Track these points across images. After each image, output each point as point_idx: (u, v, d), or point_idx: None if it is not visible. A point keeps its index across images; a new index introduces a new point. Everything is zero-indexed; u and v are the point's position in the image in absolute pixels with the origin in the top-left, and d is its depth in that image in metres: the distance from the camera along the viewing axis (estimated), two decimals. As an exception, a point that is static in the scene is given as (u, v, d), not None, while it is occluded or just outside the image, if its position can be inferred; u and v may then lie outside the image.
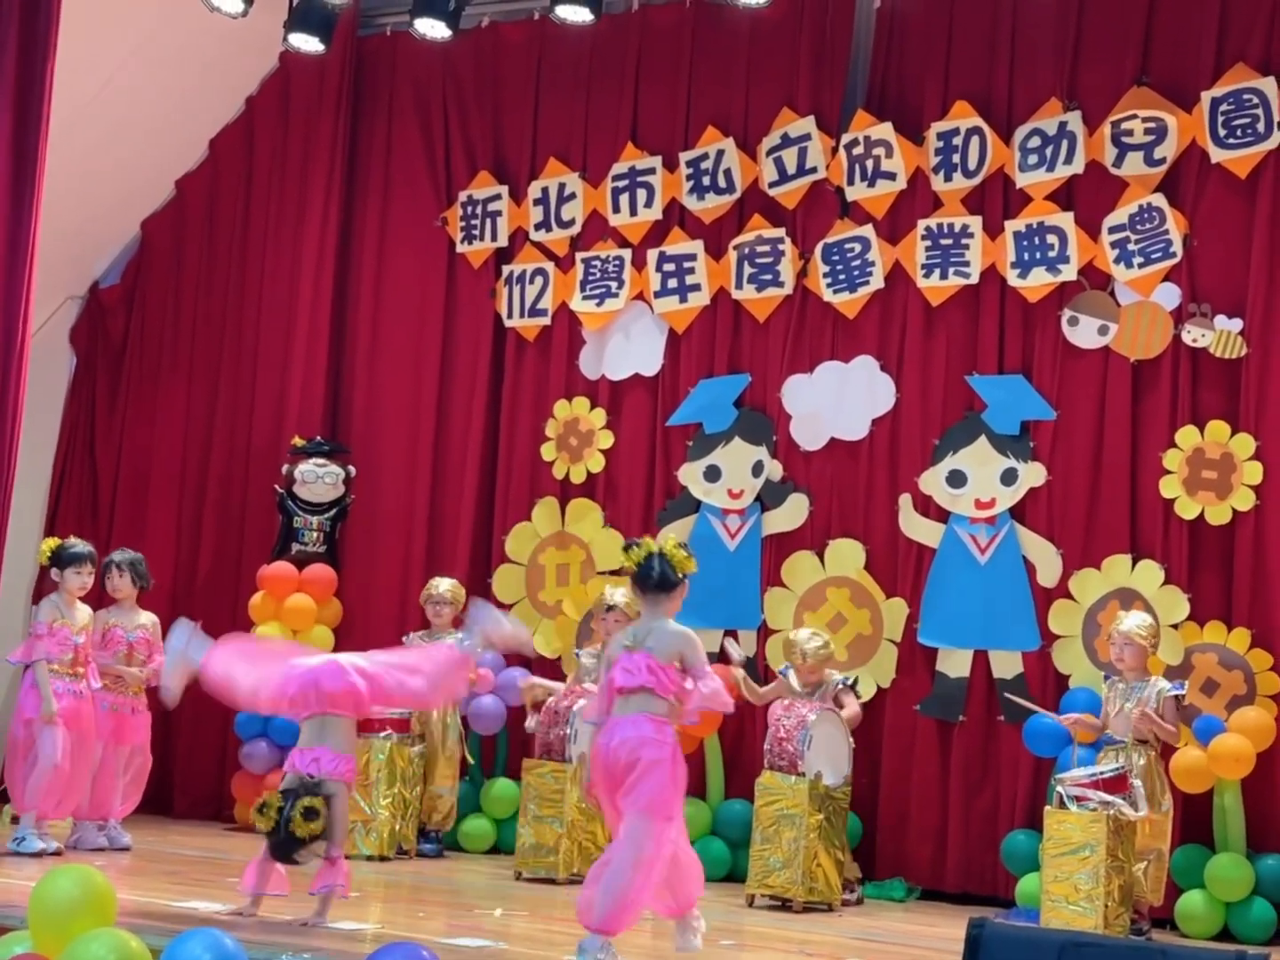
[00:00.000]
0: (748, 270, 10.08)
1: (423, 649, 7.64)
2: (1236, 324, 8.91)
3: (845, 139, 9.85)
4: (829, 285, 9.85)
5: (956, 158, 9.59)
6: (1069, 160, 9.32)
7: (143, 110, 10.78)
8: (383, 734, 9.47)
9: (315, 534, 10.73)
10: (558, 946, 6.75)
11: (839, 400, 9.81)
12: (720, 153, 10.21)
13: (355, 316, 11.26)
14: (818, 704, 8.72)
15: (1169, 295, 9.10)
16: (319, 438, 10.93)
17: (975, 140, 9.53)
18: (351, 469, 10.83)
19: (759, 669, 9.59)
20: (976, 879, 9.22)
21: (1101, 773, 8.03)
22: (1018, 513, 9.36)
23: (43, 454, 11.17)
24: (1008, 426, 9.41)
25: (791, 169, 10.03)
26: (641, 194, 10.43)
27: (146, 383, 11.55)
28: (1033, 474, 9.32)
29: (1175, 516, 8.94)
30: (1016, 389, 9.42)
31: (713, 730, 9.45)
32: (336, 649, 10.34)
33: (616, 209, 10.49)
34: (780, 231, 10.01)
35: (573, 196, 10.65)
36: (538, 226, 10.74)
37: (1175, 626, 8.81)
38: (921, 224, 9.65)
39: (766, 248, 10.04)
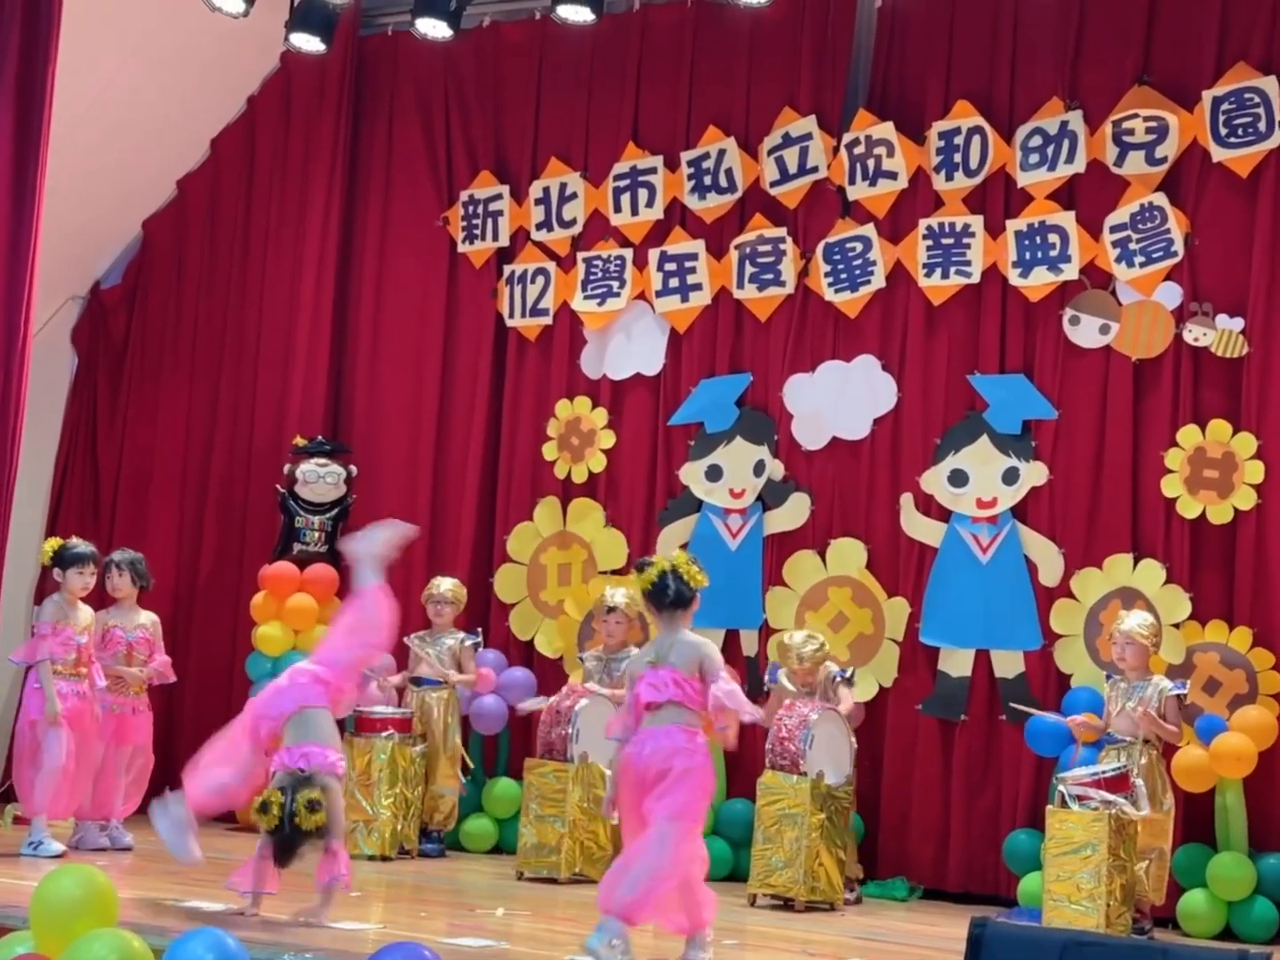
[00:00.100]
0: (749, 270, 10.08)
1: (342, 614, 7.62)
2: (1238, 323, 8.91)
3: (846, 138, 9.85)
4: (830, 285, 9.85)
5: (958, 157, 9.59)
6: (1070, 159, 9.32)
7: (144, 110, 10.78)
8: (385, 734, 9.47)
9: (317, 534, 10.73)
10: (560, 946, 6.76)
11: (840, 399, 9.81)
12: (721, 152, 10.21)
13: (357, 316, 11.26)
14: (819, 703, 8.72)
15: (1170, 294, 9.10)
16: (320, 437, 10.93)
17: (976, 139, 9.53)
18: (353, 469, 10.83)
19: (760, 669, 9.58)
20: (978, 878, 9.22)
21: (1103, 772, 8.03)
22: (1019, 512, 9.36)
23: (44, 454, 11.16)
24: (1009, 426, 9.41)
25: (793, 168, 10.03)
26: (643, 193, 10.43)
27: (148, 383, 11.55)
28: (1034, 473, 9.32)
29: (1177, 516, 8.94)
30: (1018, 388, 9.42)
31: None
32: (338, 649, 10.37)
33: (618, 208, 10.49)
34: (781, 231, 10.01)
35: (574, 196, 10.65)
36: (539, 226, 10.74)
37: (1177, 626, 8.81)
38: (923, 223, 9.65)
39: (768, 247, 10.04)
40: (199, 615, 11.13)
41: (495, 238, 10.88)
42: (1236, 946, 5.12)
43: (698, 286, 10.22)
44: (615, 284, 10.47)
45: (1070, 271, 9.30)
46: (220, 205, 11.59)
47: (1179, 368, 9.04)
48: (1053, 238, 9.33)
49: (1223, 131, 8.96)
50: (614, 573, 10.17)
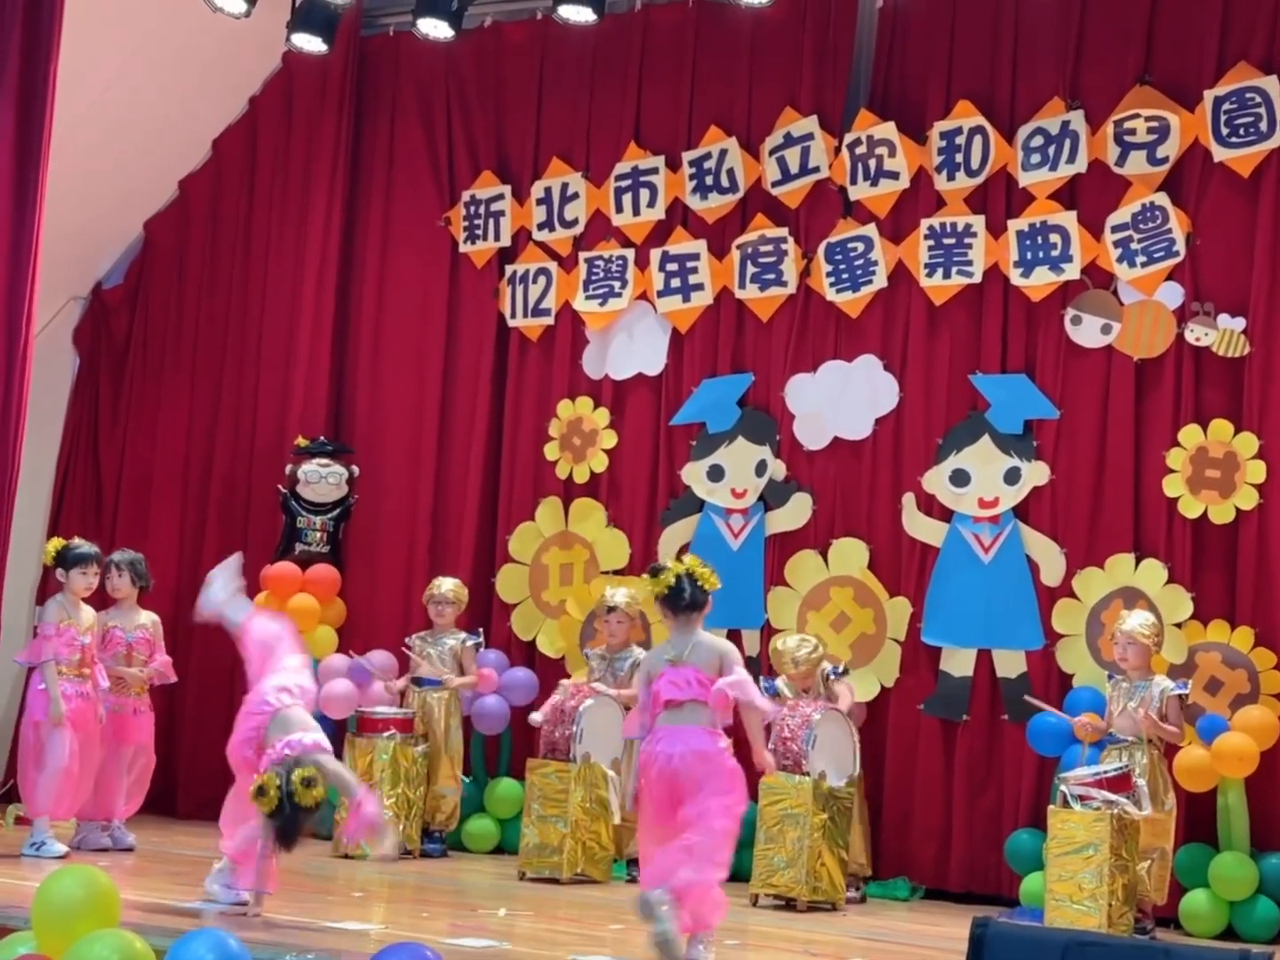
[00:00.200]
0: (751, 270, 10.08)
1: (248, 658, 7.71)
2: (1239, 323, 8.91)
3: (848, 138, 9.85)
4: (832, 285, 9.85)
5: (959, 157, 9.59)
6: (1072, 159, 9.32)
7: (145, 110, 10.78)
8: (386, 734, 9.48)
9: (319, 534, 10.73)
10: (562, 946, 6.76)
11: (842, 399, 9.81)
12: (723, 152, 10.21)
13: (358, 316, 11.26)
14: (822, 703, 8.72)
15: (1172, 294, 9.10)
16: (322, 438, 10.93)
17: (978, 139, 9.53)
18: (355, 469, 10.83)
19: (762, 669, 9.58)
20: (980, 878, 9.22)
21: (1105, 772, 8.03)
22: (1021, 512, 9.36)
23: (46, 454, 11.17)
24: (1011, 426, 9.41)
25: (794, 168, 10.03)
26: (644, 194, 10.43)
27: (150, 383, 11.56)
28: (1036, 473, 9.32)
29: (1179, 515, 8.94)
30: (1019, 388, 9.42)
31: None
32: (340, 649, 10.41)
33: (619, 209, 10.49)
34: (783, 231, 10.01)
35: (576, 196, 10.65)
36: (540, 226, 10.74)
37: (1179, 625, 8.81)
38: (924, 223, 9.65)
39: (769, 247, 10.04)
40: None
41: (497, 238, 10.88)
42: (1238, 946, 5.13)
43: (699, 286, 10.22)
44: (617, 284, 10.47)
45: (1072, 271, 9.30)
46: (222, 205, 11.59)
47: (1180, 367, 9.04)
48: (1054, 238, 9.33)
49: (1224, 131, 8.96)
50: (616, 573, 10.17)
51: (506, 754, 10.15)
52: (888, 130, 9.73)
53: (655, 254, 10.34)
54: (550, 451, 10.54)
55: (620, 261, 10.47)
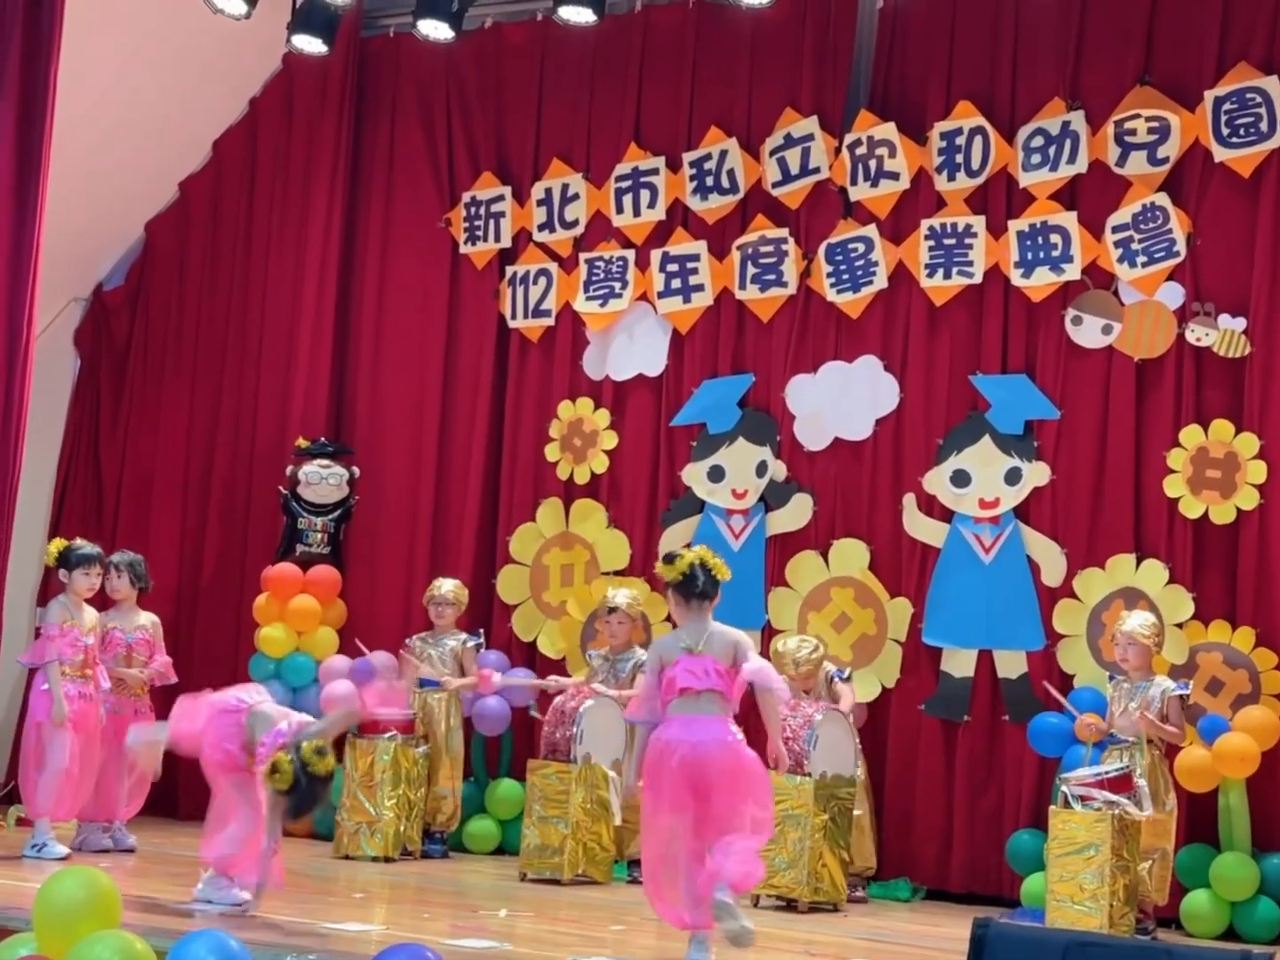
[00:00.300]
0: (751, 270, 10.08)
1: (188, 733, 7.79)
2: (1240, 323, 8.91)
3: (848, 139, 9.85)
4: (832, 285, 9.85)
5: (959, 157, 9.59)
6: (1072, 160, 9.32)
7: (145, 111, 10.78)
8: (387, 735, 9.47)
9: (319, 535, 10.73)
10: (563, 947, 6.76)
11: (843, 400, 9.81)
12: (723, 153, 10.21)
13: (359, 317, 11.27)
14: (823, 704, 8.72)
15: (1173, 294, 9.10)
16: (323, 439, 10.93)
17: (978, 140, 9.53)
18: (355, 470, 10.84)
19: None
20: (981, 879, 9.22)
21: (1106, 772, 8.03)
22: (1022, 512, 9.36)
23: (47, 456, 11.17)
24: (1011, 426, 9.41)
25: (795, 169, 10.03)
26: (645, 194, 10.43)
27: (150, 384, 11.56)
28: (1037, 473, 9.32)
29: (1179, 516, 8.94)
30: (1020, 389, 9.42)
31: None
32: (340, 650, 10.41)
33: (620, 209, 10.49)
34: (783, 232, 10.01)
35: (576, 197, 10.65)
36: (541, 227, 10.74)
37: (1180, 626, 8.81)
38: (925, 224, 9.65)
39: (770, 248, 10.04)
40: (201, 617, 11.14)
41: (497, 239, 10.88)
42: (1239, 947, 5.14)
43: (700, 287, 10.22)
44: (617, 285, 10.47)
45: (1072, 272, 9.30)
46: (222, 207, 11.59)
47: (1181, 368, 9.04)
48: (1055, 238, 9.33)
49: (1224, 131, 8.96)
50: (616, 574, 10.17)
51: (507, 755, 10.15)
52: (888, 131, 9.73)
53: (656, 255, 10.34)
54: (551, 452, 10.54)
55: (621, 262, 10.47)
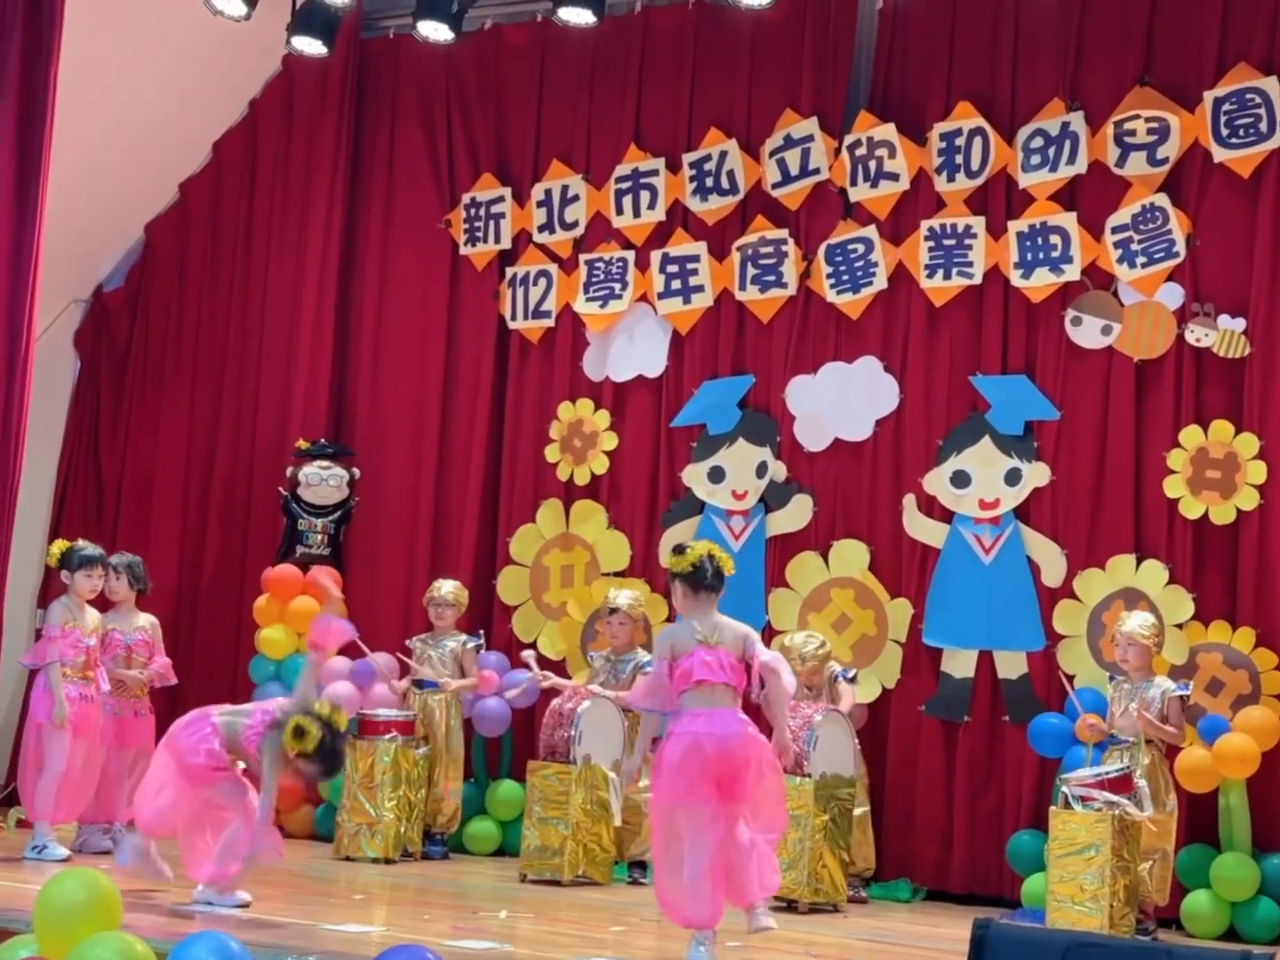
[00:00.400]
0: (751, 271, 10.08)
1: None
2: (1240, 323, 8.91)
3: (848, 140, 9.85)
4: (832, 286, 9.85)
5: (959, 158, 9.59)
6: (1072, 160, 9.32)
7: (145, 112, 10.78)
8: (387, 736, 9.47)
9: (319, 536, 10.73)
10: (563, 948, 6.76)
11: (842, 401, 9.81)
12: (723, 154, 10.21)
13: (359, 319, 11.27)
14: (823, 704, 8.72)
15: (1172, 295, 9.10)
16: (323, 440, 10.94)
17: (978, 141, 9.53)
18: (356, 471, 10.84)
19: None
20: (982, 879, 9.22)
21: (1106, 773, 8.03)
22: (1022, 513, 9.36)
23: (47, 458, 11.17)
24: (1011, 427, 9.41)
25: (794, 170, 10.03)
26: (645, 195, 10.43)
27: (150, 386, 11.56)
28: (1036, 474, 9.32)
29: (1179, 516, 8.94)
30: (1020, 389, 9.42)
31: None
32: (340, 650, 10.38)
33: (620, 210, 10.49)
34: (783, 232, 10.01)
35: (576, 198, 10.65)
36: (541, 228, 10.74)
37: (1180, 626, 8.81)
38: (924, 224, 9.65)
39: (770, 249, 10.04)
40: (202, 618, 11.14)
41: (497, 240, 10.89)
42: (1240, 947, 5.13)
43: (700, 288, 10.22)
44: (617, 286, 10.47)
45: (1072, 272, 9.30)
46: (222, 208, 11.60)
47: (1181, 368, 9.04)
48: (1054, 239, 9.33)
49: (1224, 132, 8.96)
50: (616, 574, 10.18)
51: (507, 756, 10.15)
52: (888, 132, 9.73)
53: (655, 256, 10.34)
54: (551, 453, 10.54)
55: (620, 263, 10.47)
